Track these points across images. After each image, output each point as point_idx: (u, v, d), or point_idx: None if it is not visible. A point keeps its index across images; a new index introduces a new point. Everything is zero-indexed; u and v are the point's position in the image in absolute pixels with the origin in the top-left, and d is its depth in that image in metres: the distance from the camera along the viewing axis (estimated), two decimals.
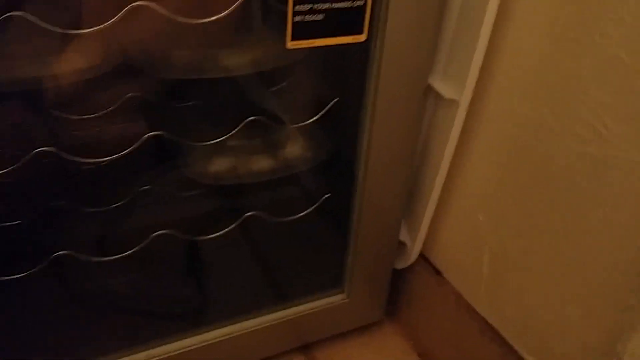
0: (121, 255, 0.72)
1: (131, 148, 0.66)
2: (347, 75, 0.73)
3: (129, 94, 0.71)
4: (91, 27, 0.56)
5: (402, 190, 0.77)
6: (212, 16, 0.60)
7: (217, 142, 0.72)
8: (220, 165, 0.79)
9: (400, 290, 0.92)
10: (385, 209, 0.77)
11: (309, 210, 0.81)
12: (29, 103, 0.66)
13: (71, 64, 0.65)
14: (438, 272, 0.83)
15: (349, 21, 0.59)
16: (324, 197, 0.81)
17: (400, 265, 0.87)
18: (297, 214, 0.80)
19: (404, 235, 0.83)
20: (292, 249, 0.86)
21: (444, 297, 0.82)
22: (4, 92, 0.63)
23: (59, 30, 0.54)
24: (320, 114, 0.73)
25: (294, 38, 0.57)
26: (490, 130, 0.69)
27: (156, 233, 0.73)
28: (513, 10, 0.62)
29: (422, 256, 0.85)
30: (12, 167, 0.61)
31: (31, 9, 0.53)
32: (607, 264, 0.58)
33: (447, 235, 0.80)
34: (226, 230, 0.77)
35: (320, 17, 0.57)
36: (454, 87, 0.68)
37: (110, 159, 0.65)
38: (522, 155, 0.65)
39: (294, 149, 0.82)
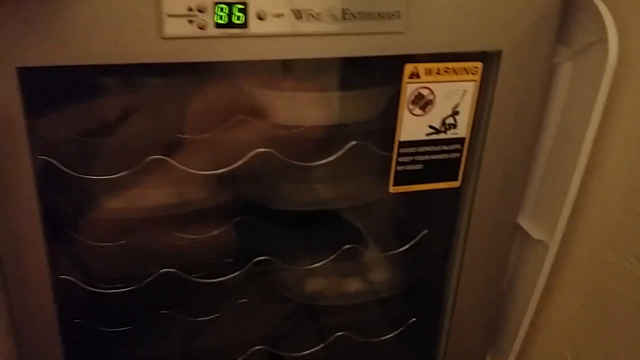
0: None
1: (241, 271, 0.73)
2: (437, 209, 0.78)
3: (237, 219, 0.79)
4: (219, 169, 0.64)
5: (487, 324, 0.79)
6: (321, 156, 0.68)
7: (313, 264, 0.78)
8: (314, 285, 0.85)
9: None
10: (470, 341, 0.79)
11: (395, 333, 0.84)
12: (160, 227, 0.75)
13: (194, 194, 0.73)
14: None
15: (445, 170, 0.65)
16: (409, 322, 0.84)
17: None
18: (384, 336, 0.83)
19: None
20: None
21: None
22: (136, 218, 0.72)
23: (195, 172, 0.63)
24: (410, 244, 0.78)
25: (395, 184, 0.63)
26: (576, 271, 0.71)
27: (249, 347, 0.78)
28: (603, 160, 0.66)
29: None
30: (138, 285, 0.69)
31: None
32: None
33: None
34: (317, 348, 0.81)
35: (419, 166, 0.63)
36: (543, 227, 0.71)
37: (223, 279, 0.72)
38: (609, 298, 0.67)
39: (382, 274, 0.86)
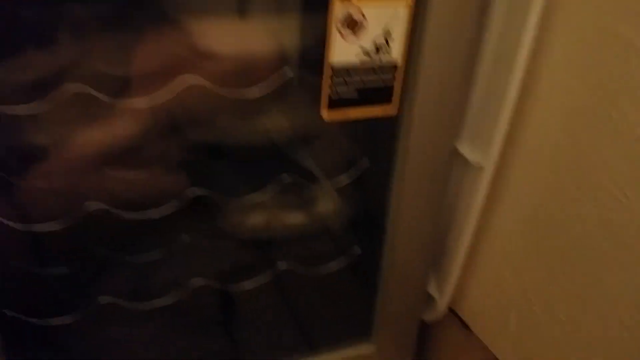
0: (162, 305, 0.77)
1: (176, 204, 0.71)
2: (377, 138, 0.77)
3: (173, 155, 0.77)
4: (143, 102, 0.61)
5: (429, 247, 0.80)
6: (253, 86, 0.66)
7: (253, 198, 0.77)
8: (255, 219, 0.84)
9: (428, 344, 0.95)
10: (412, 264, 0.81)
11: (339, 264, 0.85)
12: (84, 163, 0.72)
13: (122, 129, 0.71)
14: (466, 327, 0.86)
15: (380, 96, 0.63)
16: (353, 253, 0.84)
17: (430, 318, 0.89)
18: (328, 267, 0.84)
19: (433, 290, 0.87)
20: (322, 301, 0.89)
21: (472, 351, 0.84)
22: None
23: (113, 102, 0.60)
24: (352, 177, 0.78)
25: (330, 109, 0.62)
26: (514, 194, 0.72)
27: (194, 283, 0.78)
28: (538, 82, 0.66)
29: (451, 311, 0.88)
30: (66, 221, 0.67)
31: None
32: (628, 324, 0.60)
33: (475, 291, 0.83)
34: (260, 282, 0.81)
35: (354, 94, 0.62)
36: (480, 152, 0.72)
37: (157, 214, 0.71)
38: (546, 218, 0.68)
39: (325, 206, 0.86)
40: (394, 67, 0.62)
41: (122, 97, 0.63)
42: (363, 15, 0.57)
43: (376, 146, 0.78)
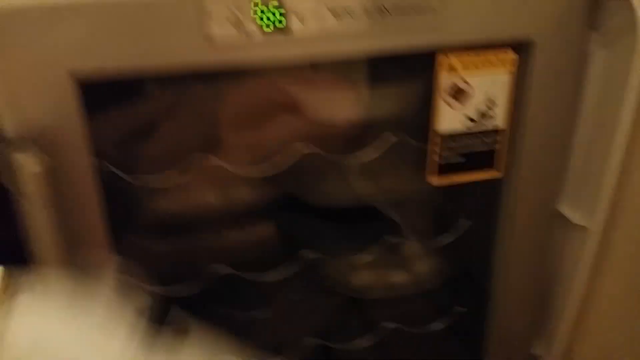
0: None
1: (289, 266, 0.75)
2: (478, 198, 0.79)
3: (281, 216, 0.82)
4: (262, 167, 0.67)
5: (533, 308, 0.80)
6: (359, 153, 0.70)
7: (358, 258, 0.80)
8: (359, 279, 0.87)
9: None
10: (517, 325, 0.81)
11: (441, 323, 0.85)
12: (206, 226, 0.78)
13: (242, 195, 0.77)
14: None
15: (485, 160, 0.66)
16: (455, 311, 0.85)
17: None
18: (432, 327, 0.85)
19: (539, 349, 0.85)
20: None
21: None
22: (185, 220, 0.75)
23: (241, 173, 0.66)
24: (453, 237, 0.80)
25: (438, 176, 0.65)
26: (621, 255, 0.72)
27: (302, 342, 0.81)
28: None
29: None
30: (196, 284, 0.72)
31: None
32: None
33: (583, 350, 0.81)
34: (365, 341, 0.83)
35: (460, 159, 0.65)
36: (585, 213, 0.72)
37: (279, 276, 0.75)
38: None
39: (427, 265, 0.88)
40: (497, 131, 0.64)
41: (242, 166, 0.68)
42: (468, 84, 0.60)
43: (477, 206, 0.80)
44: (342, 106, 0.74)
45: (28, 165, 0.45)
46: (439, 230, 0.82)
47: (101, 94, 0.53)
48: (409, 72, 0.69)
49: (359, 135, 0.74)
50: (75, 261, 0.51)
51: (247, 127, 0.72)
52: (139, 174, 0.62)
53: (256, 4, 0.50)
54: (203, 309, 0.81)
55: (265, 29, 0.52)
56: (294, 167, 0.69)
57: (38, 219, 0.47)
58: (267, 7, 0.50)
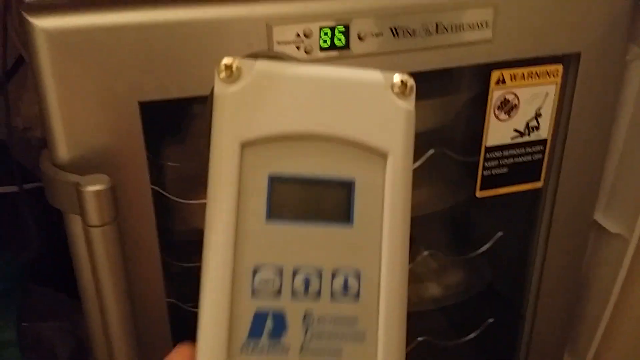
0: None
1: None
2: (512, 210, 0.79)
3: None
4: None
5: (566, 323, 0.80)
6: None
7: None
8: None
9: None
10: (549, 341, 0.81)
11: (473, 336, 0.85)
12: None
13: None
14: None
15: (528, 171, 0.66)
16: (487, 323, 0.85)
17: None
18: (464, 338, 0.85)
19: (570, 359, 0.86)
20: None
21: None
22: None
23: None
24: (486, 247, 0.80)
25: (482, 188, 0.65)
26: None
27: None
28: None
29: None
30: None
31: None
32: None
33: None
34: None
35: (505, 170, 0.65)
36: (622, 223, 0.73)
37: None
38: None
39: (458, 278, 0.88)
40: (543, 141, 0.65)
41: None
42: (517, 97, 0.61)
43: (510, 217, 0.80)
44: None
45: (89, 185, 0.44)
46: (470, 241, 0.82)
47: (161, 115, 0.52)
48: (452, 85, 0.69)
49: None
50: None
51: None
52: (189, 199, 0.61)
53: (324, 30, 0.50)
54: None
55: (323, 45, 0.51)
56: None
57: (100, 243, 0.46)
58: (334, 30, 0.50)
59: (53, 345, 0.71)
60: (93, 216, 0.43)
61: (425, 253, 0.80)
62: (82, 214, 0.43)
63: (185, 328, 0.64)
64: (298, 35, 0.50)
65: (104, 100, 0.46)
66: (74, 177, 0.44)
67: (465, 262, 0.87)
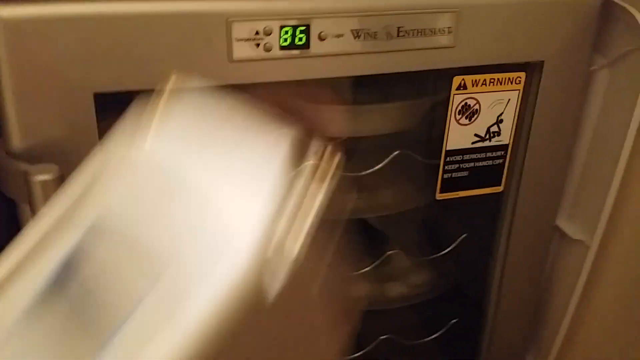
0: None
1: None
2: (475, 212, 0.80)
3: None
4: None
5: (527, 325, 0.82)
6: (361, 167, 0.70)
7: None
8: (357, 290, 0.87)
9: None
10: (511, 341, 0.82)
11: (436, 335, 0.86)
12: None
13: None
14: None
15: (489, 175, 0.67)
16: (450, 323, 0.86)
17: None
18: (427, 338, 0.86)
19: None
20: None
21: None
22: None
23: None
24: (450, 248, 0.80)
25: (442, 191, 0.66)
26: (616, 269, 0.74)
27: None
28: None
29: None
30: None
31: None
32: None
33: None
34: (363, 352, 0.83)
35: (465, 173, 0.66)
36: (582, 228, 0.74)
37: None
38: None
39: (422, 278, 0.89)
40: (504, 147, 0.65)
41: None
42: (478, 103, 0.61)
43: (473, 219, 0.80)
44: (351, 122, 0.74)
45: (37, 175, 0.44)
46: (434, 242, 0.83)
47: (115, 105, 0.52)
48: (415, 89, 0.70)
49: (358, 148, 0.74)
50: None
51: None
52: None
53: (285, 29, 0.50)
54: None
55: (283, 43, 0.51)
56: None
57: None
58: (295, 30, 0.50)
59: None
60: (41, 206, 0.43)
61: (391, 252, 0.81)
62: (30, 203, 0.43)
63: None
64: (257, 33, 0.50)
65: (59, 90, 0.46)
66: (24, 166, 0.44)
67: (432, 262, 0.88)
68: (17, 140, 0.47)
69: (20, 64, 0.46)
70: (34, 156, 0.47)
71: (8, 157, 0.47)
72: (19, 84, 0.46)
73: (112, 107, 0.48)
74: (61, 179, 0.44)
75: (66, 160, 0.47)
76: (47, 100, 0.47)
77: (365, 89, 0.71)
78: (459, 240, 0.80)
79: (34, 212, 0.44)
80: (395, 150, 0.69)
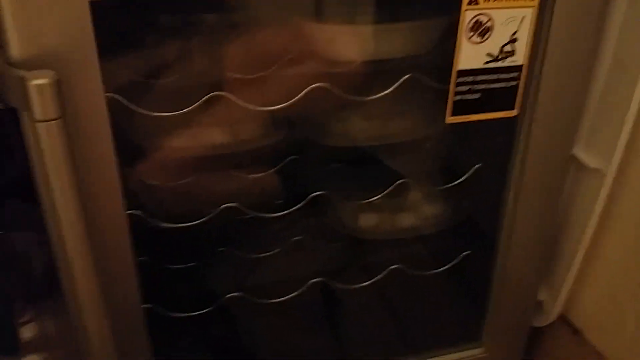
0: (281, 299, 0.81)
1: (299, 205, 0.75)
2: (490, 141, 0.78)
3: (291, 157, 0.82)
4: (274, 105, 0.65)
5: (542, 252, 0.80)
6: (372, 92, 0.69)
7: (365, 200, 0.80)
8: (367, 220, 0.87)
9: (538, 349, 0.94)
10: (524, 268, 0.81)
11: (447, 267, 0.86)
12: (216, 166, 0.77)
13: (250, 133, 0.75)
14: (576, 332, 0.85)
15: (502, 98, 0.65)
16: (463, 254, 0.86)
17: (539, 323, 0.89)
18: (438, 269, 0.85)
19: (543, 295, 0.86)
20: (432, 304, 0.91)
21: (584, 357, 0.83)
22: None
23: (252, 107, 0.64)
24: (463, 178, 0.79)
25: (453, 114, 0.64)
26: (633, 198, 0.72)
27: (312, 280, 0.81)
28: None
29: (561, 316, 0.87)
30: (202, 219, 0.72)
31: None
32: None
33: (589, 296, 0.82)
34: (372, 280, 0.84)
35: (477, 96, 0.64)
36: (600, 158, 0.72)
37: (281, 214, 0.75)
38: None
39: (436, 208, 0.88)
40: (518, 68, 0.63)
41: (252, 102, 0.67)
42: (491, 19, 0.59)
43: (488, 147, 0.79)
44: (360, 44, 0.72)
45: (34, 79, 0.44)
46: (448, 172, 0.82)
47: (114, 19, 0.52)
48: (426, 8, 0.68)
49: (371, 73, 0.72)
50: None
51: (258, 64, 0.70)
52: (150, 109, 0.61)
53: None
54: (210, 248, 0.81)
55: None
56: (305, 106, 0.68)
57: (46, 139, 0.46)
58: None
59: (28, 256, 0.72)
60: (37, 110, 0.43)
61: (401, 181, 0.80)
62: (28, 108, 0.43)
63: (147, 241, 0.66)
64: None
65: None
66: (21, 73, 0.44)
67: (445, 193, 0.87)
68: (15, 49, 0.47)
69: None
70: (33, 65, 0.47)
71: (8, 66, 0.47)
72: None
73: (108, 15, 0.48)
74: (58, 84, 0.44)
75: (66, 70, 0.47)
76: (45, 9, 0.47)
77: (375, 8, 0.69)
78: (472, 170, 0.79)
79: (31, 118, 0.44)
80: (405, 73, 0.68)
